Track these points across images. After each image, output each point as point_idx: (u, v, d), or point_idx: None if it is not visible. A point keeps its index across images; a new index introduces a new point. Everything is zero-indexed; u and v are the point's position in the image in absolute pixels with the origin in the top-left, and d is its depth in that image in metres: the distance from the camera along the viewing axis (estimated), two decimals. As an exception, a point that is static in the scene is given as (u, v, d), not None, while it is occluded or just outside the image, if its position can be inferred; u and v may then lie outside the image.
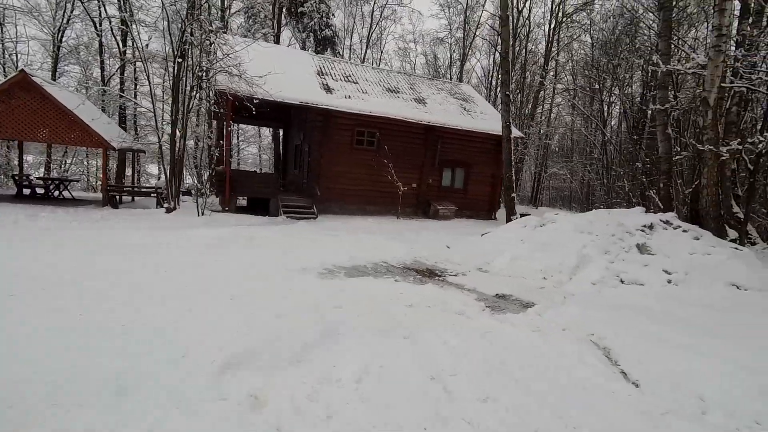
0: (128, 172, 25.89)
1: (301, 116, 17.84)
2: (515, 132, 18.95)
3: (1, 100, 11.14)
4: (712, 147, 7.71)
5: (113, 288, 5.03)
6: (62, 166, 23.25)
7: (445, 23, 45.07)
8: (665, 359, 4.02)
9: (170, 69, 12.95)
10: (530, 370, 3.67)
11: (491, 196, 18.94)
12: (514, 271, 7.70)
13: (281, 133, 25.69)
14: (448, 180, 18.07)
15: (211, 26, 11.06)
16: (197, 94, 11.77)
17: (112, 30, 24.09)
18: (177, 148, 11.95)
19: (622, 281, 6.84)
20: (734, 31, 11.00)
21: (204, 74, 11.61)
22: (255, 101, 11.20)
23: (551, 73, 31.65)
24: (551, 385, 3.42)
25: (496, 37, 37.53)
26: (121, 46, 24.34)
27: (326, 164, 15.65)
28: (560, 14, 29.87)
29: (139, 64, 26.89)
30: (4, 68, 23.90)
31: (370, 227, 12.56)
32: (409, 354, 3.73)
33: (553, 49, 30.63)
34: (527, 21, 30.34)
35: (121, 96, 17.35)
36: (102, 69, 24.04)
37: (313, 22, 21.93)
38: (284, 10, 23.78)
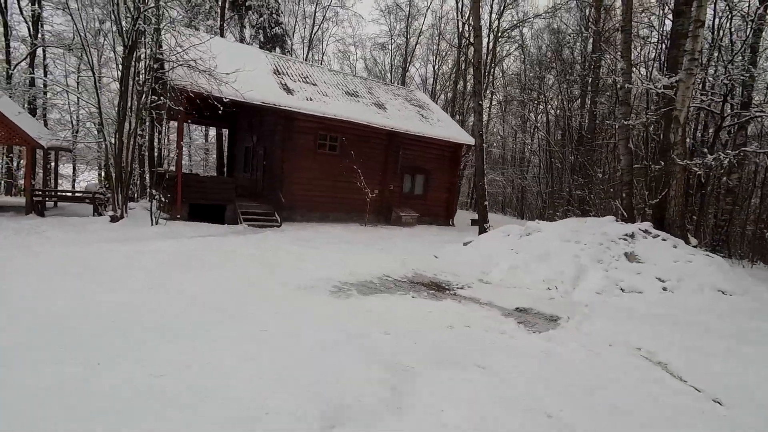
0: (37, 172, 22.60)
1: (254, 117, 16.74)
2: (471, 140, 19.48)
3: None
4: (686, 161, 8.38)
5: (113, 330, 4.13)
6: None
7: (386, 29, 45.42)
8: (721, 370, 4.14)
9: (117, 60, 11.37)
10: (621, 395, 3.54)
11: (448, 203, 19.23)
12: (516, 282, 7.71)
13: (225, 133, 24.09)
14: (409, 186, 18.02)
15: (169, 13, 9.84)
16: (149, 89, 10.43)
17: (21, 10, 20.91)
18: (126, 149, 10.50)
19: (622, 290, 7.11)
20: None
21: (159, 67, 10.35)
22: (226, 101, 10.18)
23: (490, 85, 33.03)
24: (659, 414, 3.31)
25: (436, 46, 38.77)
26: (32, 29, 21.25)
27: (288, 169, 14.81)
28: (498, 30, 31.38)
29: (54, 50, 23.80)
30: None
31: (342, 236, 12.03)
32: (499, 387, 3.43)
33: (491, 62, 32.02)
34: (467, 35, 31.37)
35: (54, 85, 14.82)
36: (7, 53, 20.71)
37: (262, 19, 20.75)
38: (228, 3, 22.32)
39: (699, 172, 8.79)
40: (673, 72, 9.58)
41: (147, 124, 13.49)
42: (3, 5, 19.85)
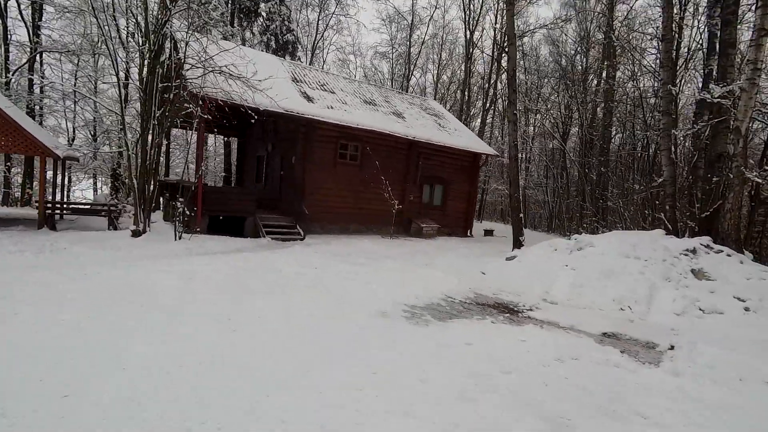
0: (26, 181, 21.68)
1: (268, 125, 16.20)
2: (489, 149, 19.19)
3: None
4: (748, 174, 8.11)
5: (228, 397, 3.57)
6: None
7: (386, 38, 45.09)
8: None
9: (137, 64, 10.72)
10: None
11: (467, 214, 18.84)
12: (583, 302, 7.29)
13: (231, 142, 23.50)
14: (428, 197, 17.59)
15: (207, 17, 9.36)
16: (174, 96, 9.83)
17: (21, 14, 20.16)
18: (148, 158, 9.87)
19: (701, 310, 6.73)
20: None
21: (183, 74, 9.78)
22: (262, 109, 9.65)
23: (492, 95, 32.85)
24: None
25: (436, 55, 38.75)
26: (31, 33, 20.49)
27: (309, 180, 14.26)
28: (503, 42, 31.34)
29: (52, 56, 23.00)
30: None
31: (375, 251, 11.51)
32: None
33: (495, 73, 31.95)
34: (475, 45, 31.39)
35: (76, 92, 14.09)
36: (6, 59, 19.89)
37: (274, 25, 20.32)
38: (237, 8, 21.84)
39: (763, 184, 8.56)
40: (723, 81, 9.35)
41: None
42: (2, 8, 19.06)
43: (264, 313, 5.21)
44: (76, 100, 25.61)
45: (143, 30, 9.63)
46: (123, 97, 9.89)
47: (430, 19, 36.57)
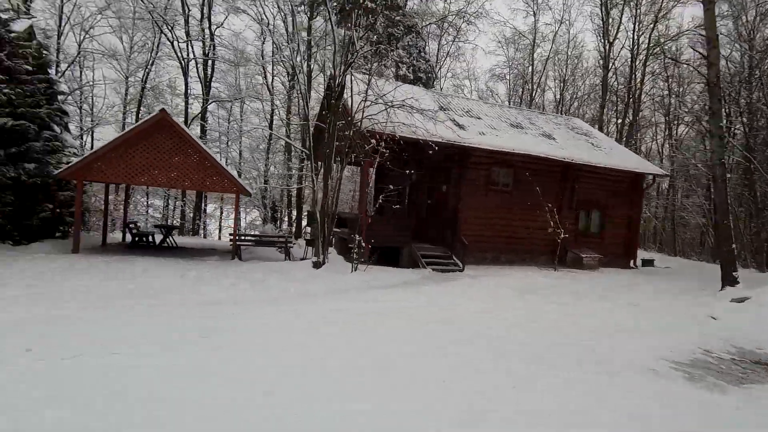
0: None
1: (411, 155, 16.27)
2: (656, 169, 17.06)
3: (143, 145, 9.77)
4: None
5: None
6: (147, 210, 22.32)
7: (503, 59, 44.01)
8: None
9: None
10: None
11: (628, 242, 16.78)
12: None
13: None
14: (583, 224, 16.04)
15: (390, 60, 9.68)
16: (354, 133, 10.26)
17: (198, 70, 23.68)
18: (329, 192, 10.36)
19: None
20: None
21: (360, 113, 10.16)
22: (443, 142, 9.64)
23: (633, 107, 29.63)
24: None
25: (560, 71, 36.54)
26: (203, 85, 23.86)
27: (463, 209, 13.87)
28: (647, 48, 28.37)
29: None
30: (80, 110, 23.51)
31: (551, 285, 10.55)
32: None
33: (641, 81, 28.95)
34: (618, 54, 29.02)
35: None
36: (186, 110, 23.38)
37: (412, 57, 20.95)
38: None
39: None
40: None
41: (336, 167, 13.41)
42: (185, 68, 22.54)
43: (532, 372, 4.68)
44: (229, 140, 29.16)
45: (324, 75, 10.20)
46: (311, 138, 10.58)
47: (555, 35, 34.82)
